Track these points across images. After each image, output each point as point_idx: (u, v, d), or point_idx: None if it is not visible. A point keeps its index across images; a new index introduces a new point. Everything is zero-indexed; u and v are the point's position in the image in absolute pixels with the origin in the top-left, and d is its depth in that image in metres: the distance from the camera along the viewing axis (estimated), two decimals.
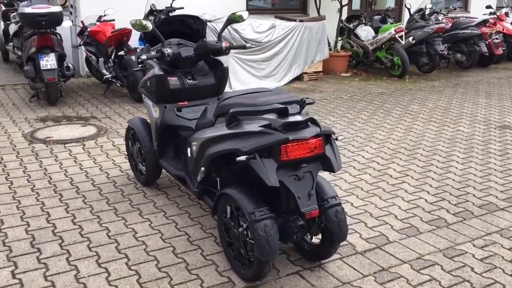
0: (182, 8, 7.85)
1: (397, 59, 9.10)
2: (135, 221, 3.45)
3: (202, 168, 2.96)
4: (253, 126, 2.63)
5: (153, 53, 3.54)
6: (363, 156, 4.91)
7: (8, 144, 4.88)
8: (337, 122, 6.06)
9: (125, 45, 6.60)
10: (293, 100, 2.69)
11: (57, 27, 6.66)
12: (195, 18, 3.84)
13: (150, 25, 3.38)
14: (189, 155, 3.23)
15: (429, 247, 3.24)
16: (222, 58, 3.74)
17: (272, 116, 2.61)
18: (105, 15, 7.21)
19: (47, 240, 3.16)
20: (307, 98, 2.78)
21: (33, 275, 2.79)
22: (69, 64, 6.34)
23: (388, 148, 5.18)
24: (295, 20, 8.53)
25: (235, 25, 7.70)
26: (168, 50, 3.43)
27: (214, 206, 2.93)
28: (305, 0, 10.24)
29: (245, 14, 3.71)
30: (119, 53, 6.55)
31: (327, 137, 2.75)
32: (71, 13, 7.97)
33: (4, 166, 4.34)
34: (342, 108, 6.78)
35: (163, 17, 7.64)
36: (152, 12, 7.59)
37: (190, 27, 3.85)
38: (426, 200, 3.95)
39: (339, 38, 9.91)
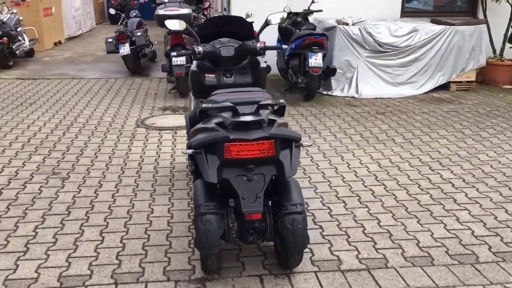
0: (321, 11, 7.93)
1: None
2: (160, 203, 3.79)
3: (189, 160, 3.14)
4: (212, 122, 2.72)
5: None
6: (441, 176, 4.40)
7: (119, 126, 5.72)
8: (444, 137, 5.47)
9: None
10: (253, 101, 2.68)
11: None
12: (241, 19, 3.98)
13: (184, 25, 3.67)
14: None
15: (427, 281, 2.85)
16: (260, 58, 3.83)
17: (227, 115, 2.66)
18: (247, 17, 7.71)
19: (81, 206, 3.72)
20: (278, 100, 2.74)
21: (47, 231, 3.34)
22: None
23: (482, 171, 4.52)
24: (452, 24, 7.83)
25: (369, 28, 7.48)
26: (199, 48, 3.65)
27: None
28: (475, 2, 9.26)
29: (281, 15, 3.73)
30: None
31: (287, 141, 2.67)
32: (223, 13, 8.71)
33: (102, 143, 5.13)
34: (465, 123, 6.05)
35: (299, 19, 7.87)
36: (288, 15, 7.84)
37: (240, 27, 4.00)
38: (473, 233, 3.41)
39: (510, 46, 8.71)
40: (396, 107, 6.84)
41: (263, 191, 2.64)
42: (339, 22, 7.88)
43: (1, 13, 9.81)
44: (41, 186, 4.05)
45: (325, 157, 4.81)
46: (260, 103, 2.64)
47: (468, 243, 3.28)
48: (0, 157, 4.67)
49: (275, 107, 2.90)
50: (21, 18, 10.45)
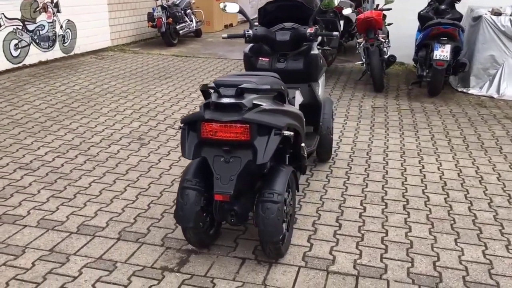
0: None
1: None
2: None
3: None
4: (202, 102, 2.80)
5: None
6: None
7: None
8: None
9: (371, 32, 6.63)
10: (237, 84, 2.67)
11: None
12: (301, 5, 3.89)
13: (237, 7, 3.76)
14: None
15: None
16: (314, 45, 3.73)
17: (213, 96, 2.71)
18: (385, 4, 7.34)
19: (139, 169, 4.12)
20: (267, 86, 2.71)
21: (98, 186, 3.81)
22: None
23: None
24: None
25: None
26: (249, 32, 3.70)
27: None
28: None
29: None
30: (358, 40, 6.68)
31: (268, 128, 2.61)
32: (367, 1, 8.40)
33: None
34: None
35: (443, 7, 7.20)
36: (429, 2, 7.23)
37: (302, 13, 3.91)
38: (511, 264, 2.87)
39: None
40: None
41: (237, 174, 2.63)
42: (492, 11, 6.99)
43: None
44: (120, 148, 4.59)
45: (401, 157, 4.44)
46: (239, 86, 2.63)
47: (498, 273, 2.78)
48: (109, 120, 5.39)
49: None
50: (193, 1, 11.54)
